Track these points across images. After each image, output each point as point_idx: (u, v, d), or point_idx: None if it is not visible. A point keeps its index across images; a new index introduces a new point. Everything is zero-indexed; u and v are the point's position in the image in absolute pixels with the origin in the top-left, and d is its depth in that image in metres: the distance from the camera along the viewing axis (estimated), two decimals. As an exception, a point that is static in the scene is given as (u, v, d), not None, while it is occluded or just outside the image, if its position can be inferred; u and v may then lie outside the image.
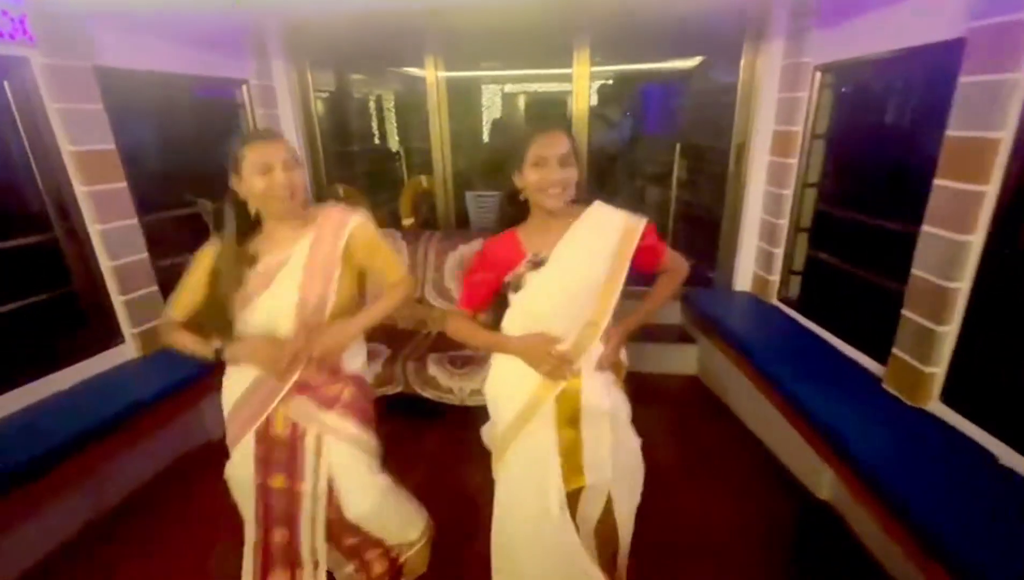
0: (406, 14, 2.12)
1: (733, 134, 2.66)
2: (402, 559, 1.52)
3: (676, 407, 2.59)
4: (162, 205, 2.34)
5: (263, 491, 1.34)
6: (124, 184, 2.07)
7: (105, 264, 2.05)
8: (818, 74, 2.23)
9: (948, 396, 1.62)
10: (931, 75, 1.79)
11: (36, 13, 1.73)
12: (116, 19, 1.95)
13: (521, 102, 6.46)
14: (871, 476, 1.44)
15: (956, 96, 1.50)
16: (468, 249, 2.61)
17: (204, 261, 1.24)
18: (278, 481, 1.32)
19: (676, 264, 1.34)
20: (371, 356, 2.35)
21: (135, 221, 2.12)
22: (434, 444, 2.34)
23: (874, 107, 2.13)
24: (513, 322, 1.27)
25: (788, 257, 2.53)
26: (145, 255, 2.17)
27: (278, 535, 1.38)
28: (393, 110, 4.78)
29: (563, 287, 1.20)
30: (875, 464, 1.45)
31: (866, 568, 1.69)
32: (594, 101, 4.32)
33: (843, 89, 2.21)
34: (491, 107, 6.04)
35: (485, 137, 4.97)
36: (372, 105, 4.58)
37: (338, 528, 1.40)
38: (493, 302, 1.30)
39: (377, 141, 4.60)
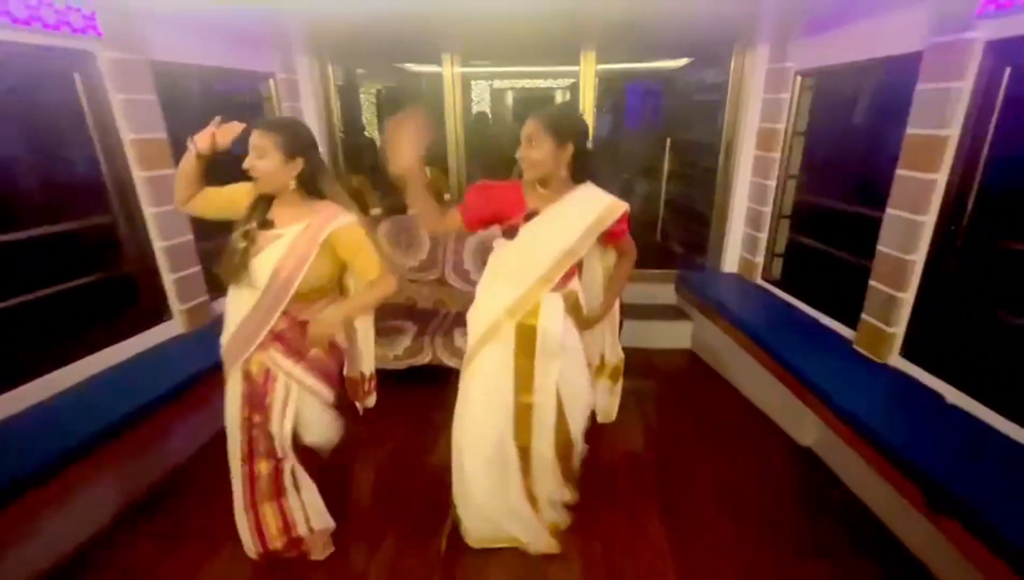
0: (427, 15, 2.33)
1: (723, 130, 2.95)
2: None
3: (675, 377, 2.88)
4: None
5: (247, 425, 1.52)
6: (174, 170, 2.21)
7: (157, 245, 2.20)
8: (799, 78, 2.54)
9: (907, 351, 1.95)
10: (895, 82, 2.10)
11: (103, 9, 1.88)
12: (166, 16, 2.10)
13: (509, 97, 6.72)
14: (850, 418, 1.74)
15: (914, 100, 1.81)
16: (486, 233, 2.83)
17: (238, 190, 1.50)
18: (257, 417, 1.51)
19: (630, 247, 1.61)
20: (398, 332, 2.59)
21: (182, 205, 2.27)
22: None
23: (846, 108, 2.44)
24: (501, 260, 1.55)
25: (771, 241, 2.85)
26: (191, 237, 2.33)
27: (264, 467, 1.55)
28: (396, 104, 4.94)
29: (543, 242, 1.46)
30: (853, 408, 1.75)
31: (844, 498, 2.00)
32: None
33: (821, 92, 2.53)
34: (480, 102, 6.26)
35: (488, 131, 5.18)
36: (376, 99, 4.74)
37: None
38: (479, 228, 1.57)
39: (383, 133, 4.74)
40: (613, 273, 1.66)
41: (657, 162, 3.77)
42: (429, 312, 2.85)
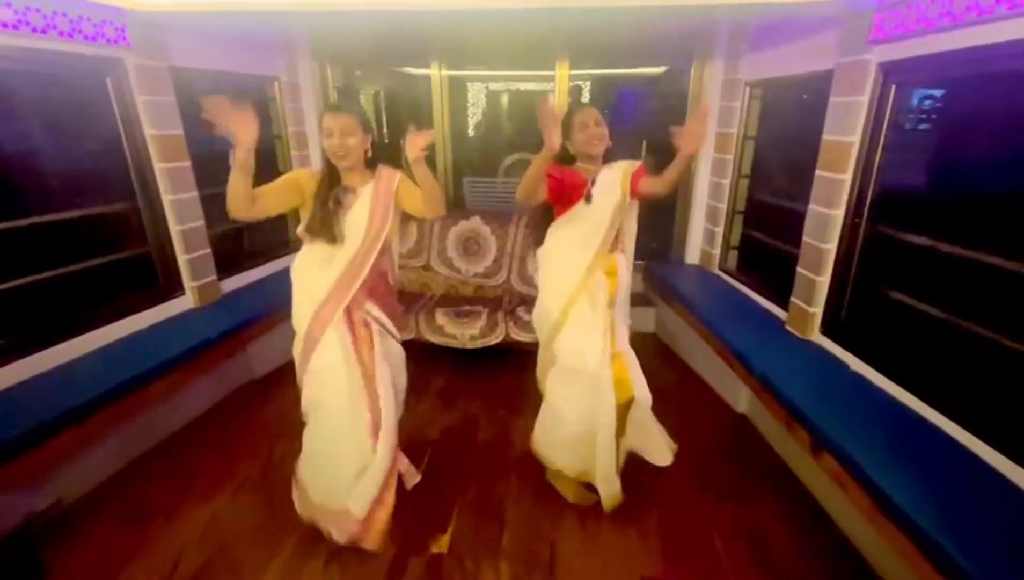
0: (419, 24, 2.61)
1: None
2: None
3: (637, 357, 3.18)
4: (211, 183, 2.79)
5: (360, 364, 1.71)
6: (188, 163, 2.52)
7: (174, 228, 2.50)
8: (747, 88, 2.83)
9: (825, 329, 2.24)
10: (818, 94, 2.38)
11: (131, 21, 2.17)
12: (185, 26, 2.40)
13: (504, 99, 7.01)
14: (772, 387, 2.02)
15: (828, 111, 2.10)
16: (467, 224, 3.14)
17: (297, 177, 1.70)
18: (364, 354, 1.73)
19: (650, 178, 1.88)
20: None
21: (196, 194, 2.57)
22: (443, 381, 2.89)
23: (784, 116, 2.73)
24: (573, 234, 1.90)
25: (727, 234, 3.14)
26: (202, 222, 2.63)
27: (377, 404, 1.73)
28: (383, 105, 5.24)
29: (605, 205, 1.86)
30: (774, 378, 2.04)
31: (769, 458, 2.30)
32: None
33: (765, 101, 2.82)
34: (476, 103, 6.56)
35: (470, 131, 5.47)
36: (370, 100, 5.03)
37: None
38: (557, 200, 1.89)
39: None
40: (661, 177, 1.86)
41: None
42: (415, 294, 3.15)
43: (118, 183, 2.33)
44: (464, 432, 2.49)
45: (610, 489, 1.92)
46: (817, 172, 2.17)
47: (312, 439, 1.79)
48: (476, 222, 3.12)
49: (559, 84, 3.25)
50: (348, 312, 1.71)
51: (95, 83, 2.18)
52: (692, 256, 3.44)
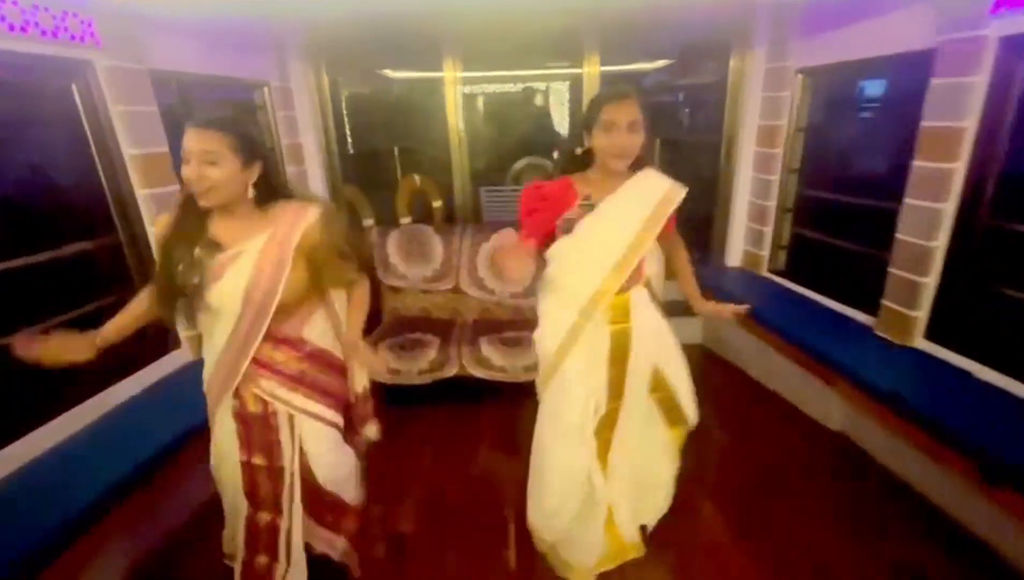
0: (425, 18, 2.26)
1: (724, 129, 3.03)
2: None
3: (692, 373, 2.92)
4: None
5: (248, 469, 1.32)
6: (178, 186, 2.07)
7: (163, 267, 2.04)
8: (799, 76, 2.64)
9: (931, 333, 2.04)
10: (898, 77, 2.20)
11: (101, 16, 1.72)
12: (164, 22, 1.95)
13: (480, 103, 6.68)
14: (883, 397, 1.80)
15: (928, 94, 1.89)
16: (499, 240, 2.79)
17: (158, 234, 1.22)
18: (258, 459, 1.31)
19: (677, 234, 1.60)
20: (420, 345, 2.50)
21: (187, 223, 2.12)
22: (493, 421, 2.52)
23: (848, 104, 2.55)
24: (563, 260, 1.40)
25: (776, 234, 2.94)
26: (196, 257, 2.17)
27: (264, 517, 1.36)
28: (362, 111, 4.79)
29: (607, 233, 1.36)
30: (885, 388, 1.82)
31: (886, 479, 2.05)
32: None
33: (820, 89, 2.63)
34: (475, 107, 6.17)
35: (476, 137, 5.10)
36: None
37: (315, 501, 1.42)
38: (549, 241, 1.40)
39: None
40: (678, 266, 1.64)
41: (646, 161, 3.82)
42: (445, 322, 2.78)
43: (91, 215, 1.85)
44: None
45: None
46: (915, 162, 1.97)
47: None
48: (510, 235, 2.78)
49: (588, 82, 2.96)
50: (237, 388, 1.28)
51: (56, 91, 1.71)
52: (734, 258, 3.22)
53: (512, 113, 4.79)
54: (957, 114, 1.81)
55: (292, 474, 1.32)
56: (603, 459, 1.55)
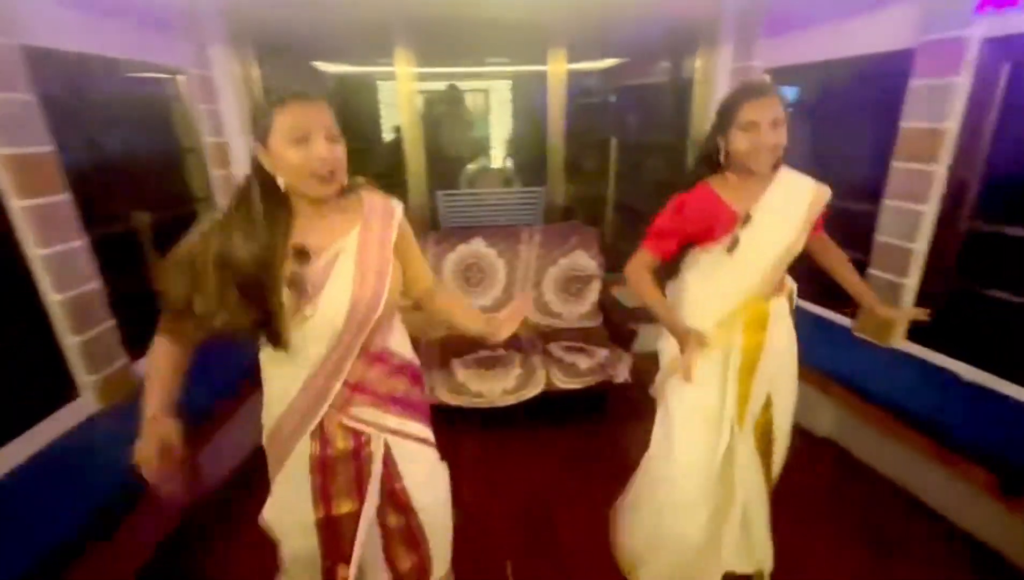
0: (372, 5, 1.98)
1: (690, 129, 2.97)
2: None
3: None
4: (108, 217, 1.90)
5: (328, 523, 1.11)
6: (66, 195, 1.64)
7: (51, 299, 1.60)
8: (766, 76, 2.61)
9: (913, 335, 2.05)
10: (872, 78, 2.19)
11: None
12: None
13: (419, 100, 6.32)
14: (892, 409, 1.77)
15: (908, 95, 1.88)
16: (467, 248, 2.54)
17: (207, 253, 0.93)
18: (345, 507, 1.11)
19: (825, 233, 1.48)
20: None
21: (83, 241, 1.69)
22: (476, 449, 2.27)
23: (818, 104, 2.55)
24: (711, 273, 1.32)
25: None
26: (97, 283, 1.74)
27: (341, 572, 1.14)
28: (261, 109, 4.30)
29: (769, 246, 1.27)
30: (889, 394, 1.78)
31: (882, 488, 2.01)
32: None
33: (791, 88, 2.61)
34: (390, 104, 5.79)
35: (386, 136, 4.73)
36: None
37: (395, 546, 1.23)
38: (678, 255, 1.36)
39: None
40: (834, 265, 1.50)
41: (602, 164, 3.72)
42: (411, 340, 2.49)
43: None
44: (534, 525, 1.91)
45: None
46: (894, 163, 1.96)
47: None
48: (478, 245, 2.53)
49: (552, 81, 2.78)
50: (321, 424, 1.07)
51: None
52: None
53: (462, 113, 4.55)
54: (937, 115, 1.80)
55: (372, 521, 1.15)
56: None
